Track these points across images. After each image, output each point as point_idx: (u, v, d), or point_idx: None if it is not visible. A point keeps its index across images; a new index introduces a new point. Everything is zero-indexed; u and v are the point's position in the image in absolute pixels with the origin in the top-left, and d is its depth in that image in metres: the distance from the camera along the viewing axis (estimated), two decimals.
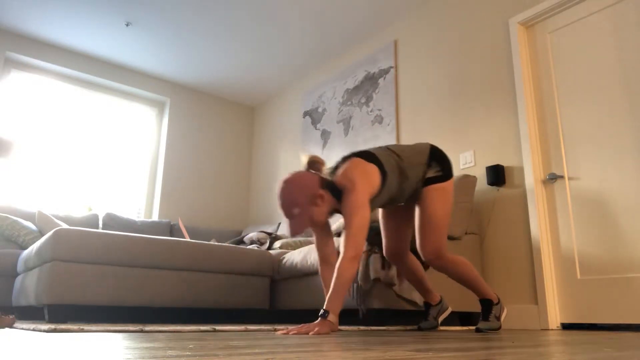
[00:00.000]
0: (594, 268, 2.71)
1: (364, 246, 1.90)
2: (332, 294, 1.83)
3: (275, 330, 1.99)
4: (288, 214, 1.95)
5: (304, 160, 2.09)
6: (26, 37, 4.58)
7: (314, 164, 2.07)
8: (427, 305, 2.43)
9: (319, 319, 1.80)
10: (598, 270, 2.69)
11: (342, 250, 1.89)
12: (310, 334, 1.71)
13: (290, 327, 1.97)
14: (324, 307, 1.82)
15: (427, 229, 2.12)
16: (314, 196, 1.94)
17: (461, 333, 2.10)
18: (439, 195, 2.12)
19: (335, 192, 2.00)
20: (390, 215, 2.31)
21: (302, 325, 1.80)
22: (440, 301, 2.44)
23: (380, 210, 2.37)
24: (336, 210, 2.09)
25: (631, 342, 1.44)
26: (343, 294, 1.84)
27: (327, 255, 2.15)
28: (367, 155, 2.04)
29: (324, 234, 2.16)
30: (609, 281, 2.64)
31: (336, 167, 2.07)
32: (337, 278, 1.84)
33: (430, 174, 2.13)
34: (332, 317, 1.80)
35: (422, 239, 2.14)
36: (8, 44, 4.48)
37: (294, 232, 1.95)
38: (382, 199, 2.10)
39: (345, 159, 2.07)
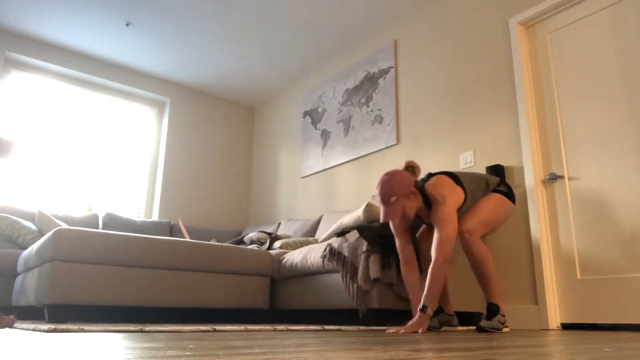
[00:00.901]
0: (594, 268, 2.71)
1: (452, 253, 2.29)
2: (427, 293, 2.18)
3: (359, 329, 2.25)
4: (385, 201, 2.28)
5: (403, 164, 2.49)
6: (26, 37, 4.58)
7: (412, 167, 2.45)
8: (440, 309, 2.49)
9: (419, 313, 2.15)
10: (598, 270, 2.69)
11: (434, 254, 2.21)
12: (420, 331, 2.10)
13: (392, 329, 2.22)
14: (423, 303, 2.17)
15: (474, 212, 2.42)
16: (409, 192, 2.30)
17: (461, 333, 2.10)
18: (497, 200, 2.47)
19: (424, 198, 2.37)
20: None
21: (408, 325, 2.14)
22: (453, 315, 2.55)
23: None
24: (417, 216, 2.48)
25: (631, 342, 1.44)
26: (438, 293, 2.19)
27: (408, 257, 2.47)
28: (455, 178, 2.42)
29: (406, 239, 2.50)
30: (609, 281, 2.64)
31: (426, 180, 2.44)
32: (432, 280, 2.17)
33: (498, 187, 2.52)
34: (430, 311, 2.17)
35: (468, 216, 2.43)
36: (8, 44, 4.48)
37: (386, 218, 2.27)
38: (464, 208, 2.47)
39: (432, 174, 2.46)
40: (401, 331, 2.06)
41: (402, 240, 2.50)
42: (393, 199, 2.27)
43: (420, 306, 2.17)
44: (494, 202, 2.46)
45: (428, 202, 2.38)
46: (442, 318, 2.47)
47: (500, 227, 3.12)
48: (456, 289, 2.88)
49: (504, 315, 2.30)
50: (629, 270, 2.57)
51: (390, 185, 2.28)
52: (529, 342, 1.41)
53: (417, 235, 2.62)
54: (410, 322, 2.17)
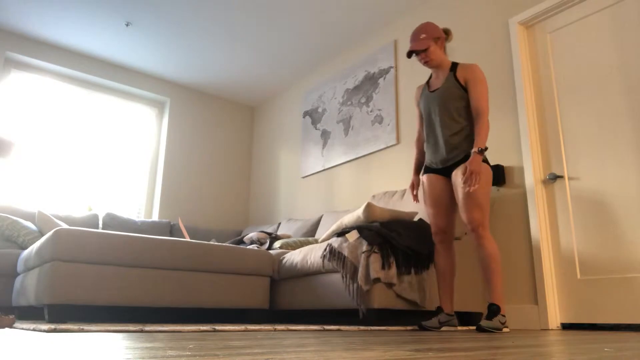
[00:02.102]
0: (594, 268, 2.71)
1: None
2: (481, 138, 2.35)
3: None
4: (416, 34, 2.55)
5: (440, 28, 2.64)
6: (26, 37, 4.58)
7: (447, 31, 2.64)
8: (440, 309, 2.48)
9: (475, 152, 2.32)
10: (598, 270, 2.69)
11: (481, 117, 2.40)
12: (475, 172, 2.29)
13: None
14: (479, 146, 2.33)
15: (469, 201, 2.39)
16: (438, 38, 2.56)
17: (461, 333, 2.10)
18: (484, 176, 2.44)
19: (452, 65, 2.57)
20: (441, 194, 2.56)
21: (469, 171, 2.31)
22: (453, 316, 2.52)
23: (428, 193, 2.61)
24: (427, 84, 2.66)
25: (631, 342, 1.44)
26: (486, 138, 2.38)
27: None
28: None
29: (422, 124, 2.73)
30: (609, 281, 2.64)
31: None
32: (483, 129, 2.36)
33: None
34: (483, 153, 2.34)
35: (468, 210, 2.41)
36: (8, 44, 4.48)
37: (412, 48, 2.53)
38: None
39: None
40: (470, 178, 2.30)
41: (421, 126, 2.76)
42: (423, 35, 2.54)
43: (477, 149, 2.31)
44: (483, 180, 2.42)
45: (453, 69, 2.56)
46: (443, 318, 2.47)
47: (500, 223, 3.12)
48: (456, 289, 2.88)
49: (504, 316, 2.29)
50: (629, 270, 2.57)
51: (423, 25, 2.57)
52: (529, 342, 1.41)
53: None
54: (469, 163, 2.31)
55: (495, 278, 2.31)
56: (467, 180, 2.30)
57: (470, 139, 2.48)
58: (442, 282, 2.53)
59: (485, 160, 2.45)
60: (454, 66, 2.56)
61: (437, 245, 2.56)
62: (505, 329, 2.31)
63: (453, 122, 2.49)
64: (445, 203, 2.55)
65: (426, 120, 2.62)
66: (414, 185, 2.72)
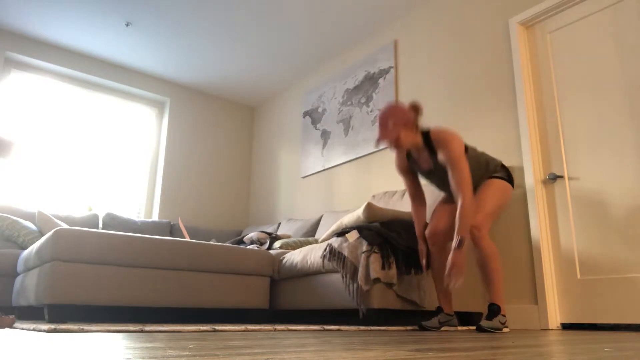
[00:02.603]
0: (594, 268, 2.71)
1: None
2: (462, 226, 2.21)
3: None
4: (382, 122, 2.36)
5: (408, 104, 2.52)
6: (26, 37, 4.58)
7: (415, 107, 2.45)
8: (440, 309, 2.47)
9: (453, 250, 2.19)
10: (598, 270, 2.69)
11: (461, 193, 2.25)
12: (456, 265, 2.16)
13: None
14: (458, 235, 2.20)
15: (478, 204, 2.38)
16: (408, 122, 2.36)
17: (461, 333, 2.10)
18: (500, 188, 2.44)
19: (427, 141, 2.39)
20: (447, 211, 2.55)
21: (450, 265, 2.18)
22: (453, 315, 2.51)
23: (440, 196, 2.65)
24: (408, 156, 2.51)
25: (631, 342, 1.44)
26: (470, 225, 2.26)
27: (417, 194, 2.58)
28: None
29: (415, 184, 2.58)
30: (609, 281, 2.64)
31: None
32: (465, 215, 2.22)
33: (499, 174, 2.49)
34: (467, 243, 2.22)
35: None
36: (8, 44, 4.48)
37: (380, 138, 2.35)
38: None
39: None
40: (451, 271, 2.16)
41: (412, 184, 2.57)
42: (390, 122, 2.33)
43: (456, 243, 2.18)
44: (496, 190, 2.43)
45: (430, 148, 2.39)
46: (442, 318, 2.47)
47: (500, 223, 3.12)
48: (456, 289, 2.88)
49: (504, 316, 2.29)
50: (629, 270, 2.57)
51: (390, 111, 2.36)
52: (529, 342, 1.41)
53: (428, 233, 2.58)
54: (450, 261, 2.19)
55: (495, 278, 2.30)
56: (449, 275, 2.19)
57: (483, 164, 2.50)
58: (439, 284, 2.51)
59: (508, 178, 2.50)
60: (429, 142, 2.39)
61: (431, 247, 2.52)
62: (505, 329, 2.31)
63: None
64: (451, 207, 2.55)
65: (436, 187, 2.60)
66: (423, 253, 2.54)
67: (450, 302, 2.52)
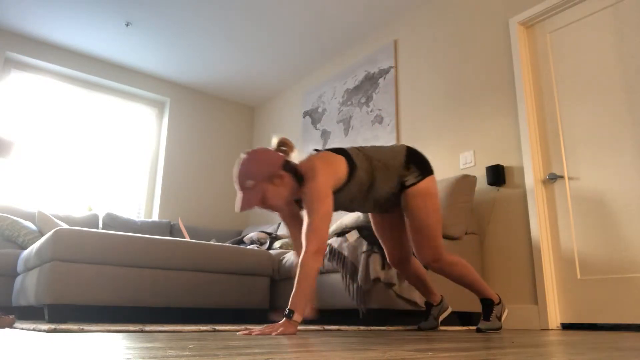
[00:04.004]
0: (594, 268, 2.71)
1: (327, 239, 1.85)
2: (296, 293, 1.72)
3: (238, 331, 1.89)
4: (241, 185, 1.86)
5: (274, 141, 1.99)
6: (26, 37, 4.58)
7: (283, 145, 1.99)
8: (429, 305, 2.44)
9: (284, 318, 1.70)
10: (598, 270, 2.69)
11: (304, 244, 1.78)
12: (273, 334, 1.62)
13: (253, 327, 1.84)
14: (289, 307, 1.72)
15: (420, 237, 2.07)
16: (272, 174, 1.86)
17: (461, 333, 2.10)
18: (423, 200, 2.03)
19: (300, 179, 1.92)
20: (385, 224, 2.27)
21: (266, 325, 1.72)
22: (441, 301, 2.45)
23: (372, 222, 2.31)
24: (299, 201, 2.05)
25: (631, 342, 1.44)
26: (308, 292, 1.74)
27: (296, 218, 2.12)
28: (335, 149, 2.01)
29: (297, 223, 2.11)
30: (609, 281, 2.64)
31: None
32: (301, 276, 1.74)
33: (411, 180, 2.04)
34: (297, 317, 1.71)
35: (418, 247, 2.10)
36: (8, 44, 4.48)
37: (242, 207, 1.84)
38: (345, 195, 2.00)
39: (315, 150, 2.06)
40: (255, 333, 1.63)
41: (292, 225, 2.11)
42: (249, 183, 1.85)
43: (286, 311, 1.72)
44: (423, 206, 2.03)
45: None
46: (435, 311, 2.44)
47: (500, 223, 3.12)
48: (456, 289, 2.88)
49: (499, 304, 2.23)
50: (629, 270, 2.57)
51: (247, 167, 1.87)
52: (529, 342, 1.41)
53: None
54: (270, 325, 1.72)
55: (474, 280, 2.19)
56: (275, 333, 1.66)
57: (386, 169, 2.05)
58: (419, 288, 2.39)
59: (422, 169, 2.06)
60: (301, 183, 1.93)
61: (398, 271, 2.34)
62: (504, 314, 2.26)
63: None
64: (397, 234, 2.26)
65: (362, 213, 2.26)
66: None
67: (432, 288, 2.38)
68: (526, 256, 2.95)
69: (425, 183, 2.05)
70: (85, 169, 4.85)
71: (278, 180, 1.88)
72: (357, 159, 1.99)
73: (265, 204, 1.89)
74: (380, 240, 2.33)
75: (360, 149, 2.06)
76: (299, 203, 2.07)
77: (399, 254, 2.28)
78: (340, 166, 1.93)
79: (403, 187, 2.05)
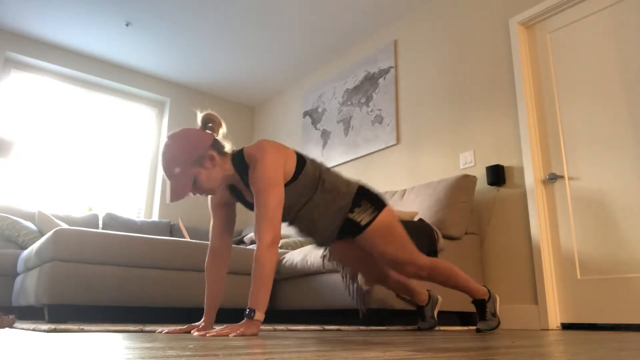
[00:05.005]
0: (594, 268, 2.71)
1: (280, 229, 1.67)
2: (254, 290, 1.58)
3: (190, 332, 1.73)
4: (169, 173, 1.66)
5: (199, 118, 1.78)
6: (26, 37, 4.58)
7: (209, 121, 1.76)
8: (420, 307, 2.42)
9: (245, 319, 1.57)
10: (598, 270, 2.69)
11: (257, 235, 1.62)
12: (231, 335, 1.48)
13: (217, 328, 1.66)
14: (249, 306, 1.58)
15: (396, 264, 1.95)
16: (201, 156, 1.67)
17: (461, 333, 2.10)
18: (388, 235, 1.89)
19: (239, 164, 1.74)
20: (349, 251, 2.13)
21: (225, 326, 1.60)
22: (429, 297, 2.42)
23: (331, 252, 2.16)
24: (233, 188, 1.85)
25: (631, 342, 1.44)
26: (268, 288, 1.60)
27: (219, 248, 1.85)
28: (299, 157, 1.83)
29: (225, 222, 1.86)
30: (609, 281, 2.64)
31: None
32: (258, 271, 1.59)
33: (366, 218, 1.86)
34: (259, 316, 1.57)
35: (397, 269, 1.99)
36: (8, 44, 4.48)
37: (172, 197, 1.65)
38: (288, 195, 1.78)
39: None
40: (211, 335, 1.51)
41: (219, 221, 1.85)
42: (177, 170, 1.65)
43: (247, 310, 1.58)
44: (383, 235, 1.88)
45: (247, 173, 1.73)
46: (428, 310, 2.42)
47: (500, 223, 3.12)
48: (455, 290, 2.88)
49: (489, 299, 2.18)
50: (629, 270, 2.57)
51: (172, 152, 1.65)
52: (529, 342, 1.41)
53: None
54: (230, 325, 1.58)
55: (465, 285, 2.13)
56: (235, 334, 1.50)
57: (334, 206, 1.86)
58: (407, 295, 2.36)
59: (375, 204, 1.89)
60: (244, 166, 1.74)
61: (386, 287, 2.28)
62: (497, 306, 2.22)
63: None
64: (363, 255, 2.13)
65: (298, 231, 1.99)
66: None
67: (416, 290, 2.33)
68: (526, 256, 2.95)
69: (382, 217, 1.88)
70: (85, 169, 4.85)
71: (208, 162, 1.69)
72: (307, 160, 1.83)
73: (199, 189, 1.71)
74: (350, 267, 2.21)
75: (316, 161, 1.90)
76: (234, 191, 1.87)
77: (375, 273, 2.19)
78: (290, 157, 1.76)
79: (359, 228, 1.87)
